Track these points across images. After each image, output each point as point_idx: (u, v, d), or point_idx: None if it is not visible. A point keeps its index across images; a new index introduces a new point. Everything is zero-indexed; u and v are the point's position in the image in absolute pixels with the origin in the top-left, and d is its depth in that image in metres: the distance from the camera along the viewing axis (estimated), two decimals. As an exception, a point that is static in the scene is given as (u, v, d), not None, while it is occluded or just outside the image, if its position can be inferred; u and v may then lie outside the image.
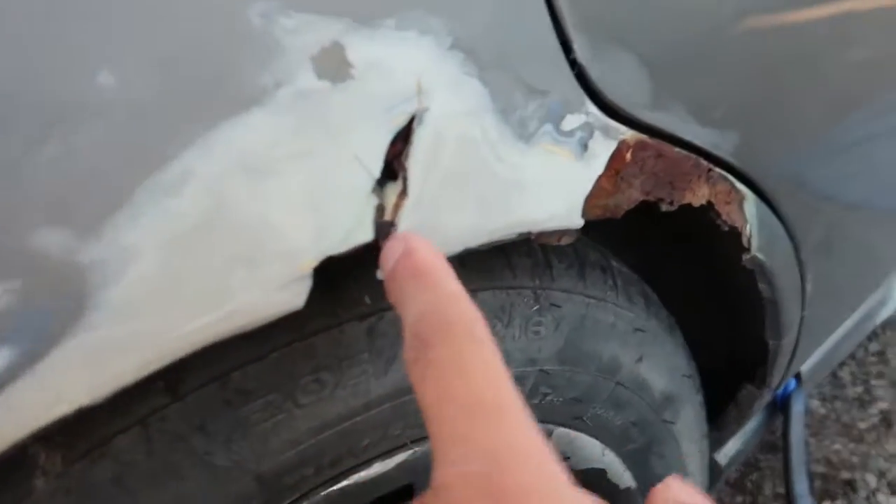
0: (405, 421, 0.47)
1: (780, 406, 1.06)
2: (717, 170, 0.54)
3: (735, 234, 0.59)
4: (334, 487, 0.46)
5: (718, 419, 0.92)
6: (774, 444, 1.41)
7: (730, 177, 0.55)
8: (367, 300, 0.43)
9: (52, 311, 0.26)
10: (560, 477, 0.23)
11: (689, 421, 0.73)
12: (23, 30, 0.24)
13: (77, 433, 0.34)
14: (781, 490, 1.34)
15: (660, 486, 0.30)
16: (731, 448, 1.04)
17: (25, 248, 0.25)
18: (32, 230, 0.25)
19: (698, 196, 0.54)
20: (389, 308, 0.44)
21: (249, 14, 0.28)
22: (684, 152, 0.50)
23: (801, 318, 0.80)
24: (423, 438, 0.50)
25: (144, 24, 0.26)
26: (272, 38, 0.28)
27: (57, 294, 0.26)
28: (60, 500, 0.34)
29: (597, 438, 0.64)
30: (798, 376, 1.04)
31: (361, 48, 0.31)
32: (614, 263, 0.61)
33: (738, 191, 0.57)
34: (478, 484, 0.22)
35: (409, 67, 0.32)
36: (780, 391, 1.08)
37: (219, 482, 0.40)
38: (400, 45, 0.32)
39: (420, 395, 0.25)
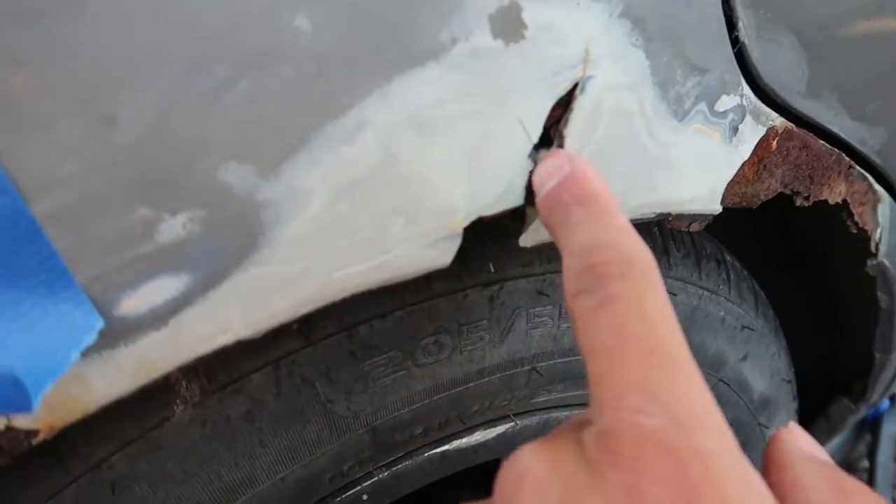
0: (512, 393, 0.47)
1: (870, 425, 1.01)
2: (858, 168, 0.51)
3: (863, 237, 0.56)
4: (437, 450, 0.47)
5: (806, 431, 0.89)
6: (856, 465, 1.35)
7: (869, 177, 0.52)
8: (492, 268, 0.43)
9: (229, 243, 0.27)
10: (735, 443, 0.22)
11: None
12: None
13: (216, 367, 0.36)
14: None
15: (783, 431, 0.28)
16: (811, 462, 1.00)
17: (211, 181, 0.26)
18: (218, 165, 0.26)
19: (835, 193, 0.51)
20: (513, 278, 0.44)
21: (438, -35, 0.27)
22: (828, 146, 0.47)
23: (913, 334, 0.75)
24: (527, 412, 0.50)
25: (342, -31, 0.26)
26: (455, -8, 0.28)
27: (234, 228, 0.27)
28: (195, 429, 0.36)
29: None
30: (893, 397, 0.99)
31: (536, 10, 0.30)
32: (728, 257, 0.59)
33: (874, 192, 0.54)
34: (655, 439, 0.20)
35: (579, 33, 0.32)
36: (871, 410, 1.03)
37: (336, 431, 0.41)
38: (573, 9, 0.31)
39: (589, 331, 0.24)
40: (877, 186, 0.54)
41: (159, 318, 0.27)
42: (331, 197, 0.28)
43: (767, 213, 0.50)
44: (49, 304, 0.24)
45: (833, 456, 1.04)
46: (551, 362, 0.47)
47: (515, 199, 0.33)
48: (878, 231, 0.57)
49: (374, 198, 0.29)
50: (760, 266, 0.74)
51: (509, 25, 0.30)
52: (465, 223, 0.32)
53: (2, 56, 0.22)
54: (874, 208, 0.55)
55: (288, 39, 0.25)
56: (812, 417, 0.88)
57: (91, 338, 0.24)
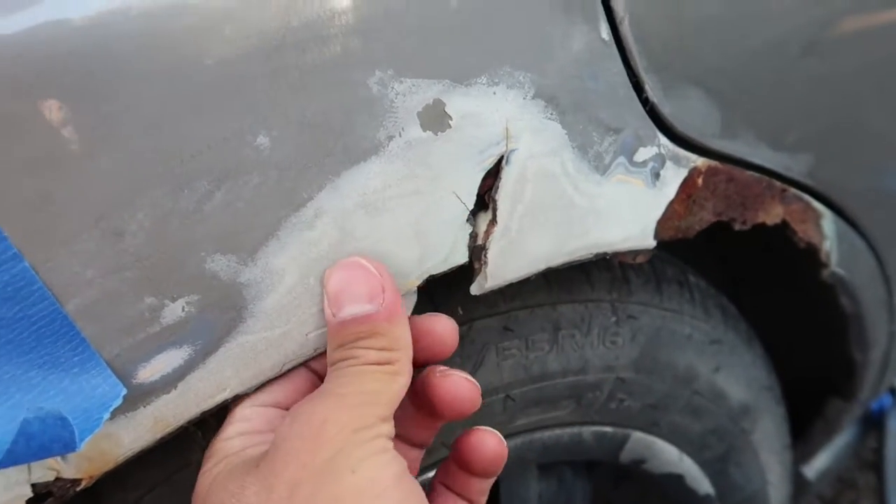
0: (492, 419, 0.53)
1: (876, 422, 1.03)
2: (792, 190, 0.56)
3: (813, 250, 0.61)
4: (426, 476, 0.53)
5: (806, 432, 0.92)
6: (873, 462, 1.36)
7: (805, 196, 0.58)
8: (460, 311, 0.49)
9: (220, 318, 0.34)
10: None
11: (768, 431, 0.74)
12: (202, 102, 0.31)
13: (223, 417, 0.42)
14: (879, 509, 1.29)
15: None
16: (820, 463, 1.03)
17: (201, 271, 0.33)
18: (206, 258, 0.33)
19: (772, 215, 0.56)
20: (480, 317, 0.50)
21: (369, 82, 0.34)
22: (756, 175, 0.53)
23: (892, 332, 0.79)
24: (508, 435, 0.55)
25: (291, 96, 0.33)
26: (386, 100, 0.35)
27: (223, 306, 0.34)
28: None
29: (674, 444, 0.67)
30: (894, 391, 1.01)
31: (458, 103, 0.37)
32: (692, 278, 0.64)
33: (813, 209, 0.59)
34: None
35: (498, 116, 0.38)
36: (875, 406, 1.06)
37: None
38: (490, 97, 0.38)
39: None
40: (815, 204, 0.59)
41: (169, 382, 0.34)
42: (300, 272, 0.35)
43: (727, 235, 0.55)
44: (83, 380, 0.30)
45: (843, 455, 1.07)
46: (524, 389, 0.53)
47: (460, 257, 0.40)
48: (826, 243, 0.62)
49: (336, 269, 0.36)
50: (742, 281, 0.79)
51: (435, 119, 0.36)
52: (419, 283, 0.39)
53: (34, 195, 0.29)
54: (817, 224, 0.60)
55: (253, 155, 0.32)
56: (811, 420, 0.91)
57: (117, 402, 0.31)
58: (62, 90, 0.28)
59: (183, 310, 0.33)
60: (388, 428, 0.33)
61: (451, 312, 0.48)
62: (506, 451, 0.40)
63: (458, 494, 0.41)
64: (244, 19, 0.31)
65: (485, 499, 0.42)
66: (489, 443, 0.39)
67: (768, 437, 0.75)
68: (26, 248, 0.29)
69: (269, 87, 0.32)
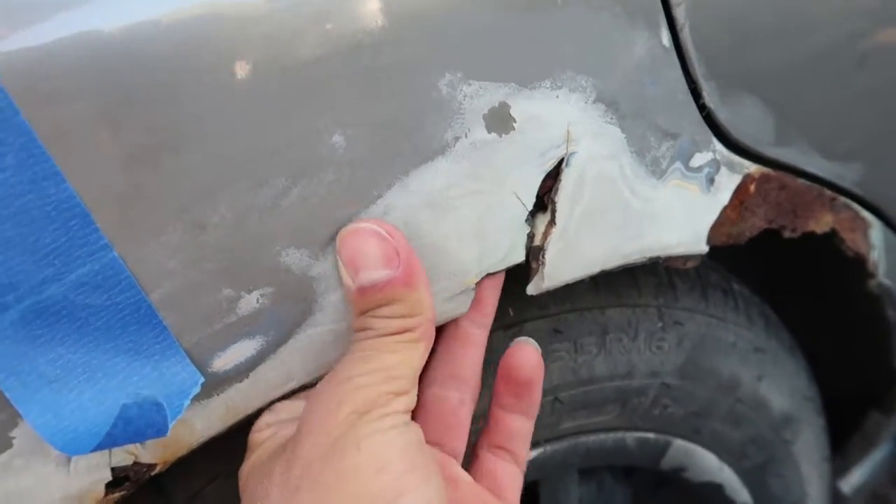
0: (540, 421, 0.53)
1: (914, 437, 1.02)
2: (842, 198, 0.56)
3: (860, 260, 0.61)
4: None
5: (844, 446, 0.91)
6: (908, 478, 1.33)
7: (854, 205, 0.57)
8: (511, 312, 0.49)
9: (291, 310, 0.35)
10: None
11: (809, 443, 0.73)
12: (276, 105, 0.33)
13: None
14: (915, 528, 1.27)
15: None
16: (856, 478, 1.01)
17: (276, 265, 0.34)
18: (281, 252, 0.34)
19: (821, 224, 0.56)
20: (531, 319, 0.50)
21: (439, 84, 0.35)
22: (808, 183, 0.53)
23: (936, 346, 0.78)
24: (555, 438, 0.56)
25: (366, 97, 0.34)
26: (455, 101, 0.36)
27: (295, 298, 0.35)
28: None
29: (714, 453, 0.67)
30: (934, 407, 1.00)
31: (523, 106, 0.38)
32: (735, 286, 0.64)
33: (862, 218, 0.59)
34: None
35: (560, 119, 0.39)
36: (913, 421, 1.04)
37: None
38: (553, 101, 0.38)
39: None
40: (864, 213, 0.59)
41: (242, 371, 0.35)
42: (367, 268, 0.36)
43: (787, 241, 0.55)
44: (164, 367, 0.32)
45: (880, 470, 1.05)
46: (571, 392, 0.53)
47: (517, 257, 0.40)
48: (874, 252, 0.61)
49: (401, 266, 0.37)
50: (786, 291, 0.78)
51: (501, 121, 0.37)
52: (477, 279, 0.39)
53: (125, 188, 0.30)
54: (865, 233, 0.60)
55: (328, 153, 0.33)
56: (849, 434, 0.90)
57: (196, 390, 0.32)
58: (153, 90, 0.30)
59: (257, 301, 0.34)
60: (405, 401, 0.34)
61: (502, 313, 0.49)
62: (541, 360, 0.42)
63: (505, 431, 0.42)
64: (324, 23, 0.32)
65: (526, 450, 0.43)
66: (528, 349, 0.41)
67: (808, 448, 0.74)
68: (116, 239, 0.30)
69: (345, 89, 0.33)
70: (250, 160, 0.32)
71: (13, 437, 0.31)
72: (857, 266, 0.62)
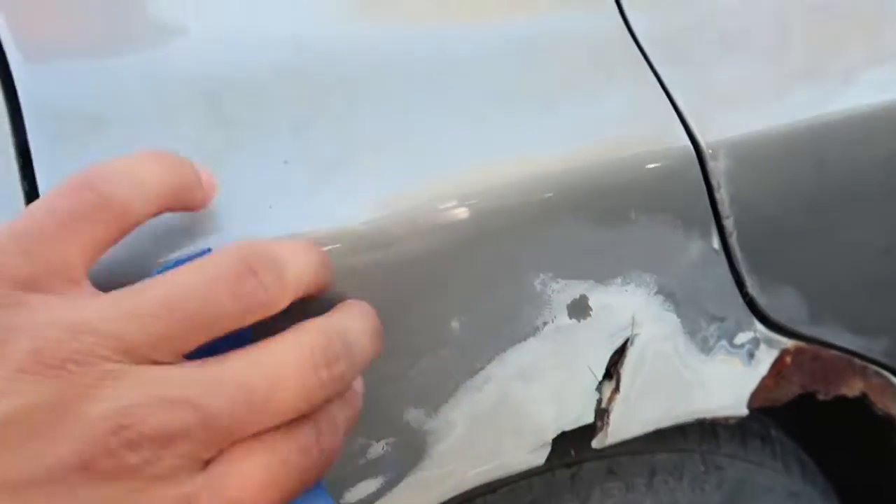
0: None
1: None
2: (872, 366, 0.63)
3: (889, 419, 0.67)
4: None
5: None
6: None
7: (884, 372, 0.64)
8: (573, 453, 0.57)
9: (406, 457, 0.44)
10: None
11: (842, 586, 0.77)
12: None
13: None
14: None
15: None
16: None
17: (399, 420, 0.43)
18: (404, 410, 0.43)
19: (853, 389, 0.63)
20: (589, 459, 0.58)
21: (535, 282, 0.45)
22: (839, 353, 0.60)
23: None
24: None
25: (480, 291, 0.43)
26: (545, 295, 0.45)
27: (411, 447, 0.44)
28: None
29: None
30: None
31: (598, 297, 0.47)
32: (773, 433, 0.71)
33: (892, 384, 0.65)
34: None
35: (628, 308, 0.48)
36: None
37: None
38: (623, 294, 0.48)
39: None
40: (894, 379, 0.65)
41: (364, 504, 0.43)
42: (468, 424, 0.45)
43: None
44: (310, 497, 0.40)
45: None
46: (622, 526, 0.60)
47: (588, 418, 0.49)
48: (904, 414, 0.67)
49: (494, 423, 0.45)
50: (823, 438, 0.84)
51: (580, 310, 0.47)
52: (553, 436, 0.48)
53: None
54: (894, 397, 0.66)
55: (446, 335, 0.43)
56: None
57: (336, 517, 0.41)
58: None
59: (383, 449, 0.43)
60: None
61: (564, 453, 0.57)
62: None
63: None
64: (447, 221, 0.42)
65: None
66: None
67: (841, 591, 0.78)
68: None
69: (467, 282, 0.43)
70: (393, 340, 0.42)
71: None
72: (888, 424, 0.68)
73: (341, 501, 0.42)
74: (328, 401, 0.28)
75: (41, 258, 0.24)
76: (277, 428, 0.26)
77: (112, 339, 0.22)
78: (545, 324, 0.46)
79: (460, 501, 0.54)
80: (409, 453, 0.44)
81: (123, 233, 0.27)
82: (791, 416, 0.76)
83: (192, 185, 0.30)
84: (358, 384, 0.33)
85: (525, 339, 0.45)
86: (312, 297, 0.31)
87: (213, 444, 0.24)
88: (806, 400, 0.62)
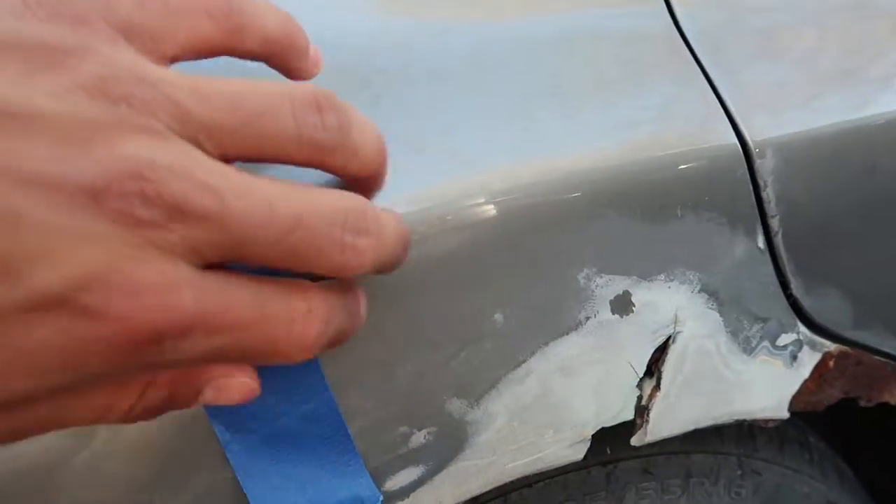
0: (624, 550, 0.60)
1: None
2: (916, 374, 0.62)
3: (933, 429, 0.66)
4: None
5: None
6: None
7: (928, 380, 0.63)
8: (608, 451, 0.57)
9: (447, 446, 0.44)
10: None
11: None
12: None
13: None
14: None
15: None
16: None
17: (441, 410, 0.43)
18: (447, 400, 0.43)
19: (895, 395, 0.62)
20: (624, 458, 0.58)
21: (579, 277, 0.45)
22: (882, 359, 0.59)
23: None
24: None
25: (524, 283, 0.44)
26: (589, 290, 0.45)
27: (452, 437, 0.44)
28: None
29: None
30: None
31: (641, 294, 0.47)
32: (811, 439, 0.70)
33: (936, 393, 0.64)
34: None
35: (670, 305, 0.48)
36: None
37: (491, 571, 0.55)
38: (666, 291, 0.47)
39: None
40: (938, 388, 0.64)
41: (404, 493, 0.44)
42: (508, 417, 0.45)
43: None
44: (353, 485, 0.41)
45: None
46: (656, 527, 0.59)
47: (628, 414, 0.48)
48: (947, 424, 0.66)
49: (534, 417, 0.45)
50: (862, 444, 0.82)
51: (623, 305, 0.46)
52: (593, 432, 0.48)
53: (344, 346, 0.41)
54: (938, 405, 0.65)
55: (489, 327, 0.43)
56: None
57: (376, 504, 0.41)
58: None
59: (424, 438, 0.43)
60: None
61: (600, 451, 0.57)
62: None
63: None
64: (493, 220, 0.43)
65: None
66: None
67: None
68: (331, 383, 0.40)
69: (507, 276, 0.43)
70: (435, 331, 0.42)
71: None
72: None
73: (382, 489, 0.43)
74: (353, 248, 0.27)
75: (151, 20, 0.24)
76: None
77: (173, 104, 0.23)
78: (588, 318, 0.46)
79: (497, 494, 0.54)
80: (451, 443, 0.44)
81: (225, 49, 0.27)
82: (826, 422, 0.74)
83: (300, 51, 0.31)
84: (362, 301, 0.33)
85: (567, 334, 0.45)
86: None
87: (220, 250, 0.23)
88: (842, 406, 0.61)
